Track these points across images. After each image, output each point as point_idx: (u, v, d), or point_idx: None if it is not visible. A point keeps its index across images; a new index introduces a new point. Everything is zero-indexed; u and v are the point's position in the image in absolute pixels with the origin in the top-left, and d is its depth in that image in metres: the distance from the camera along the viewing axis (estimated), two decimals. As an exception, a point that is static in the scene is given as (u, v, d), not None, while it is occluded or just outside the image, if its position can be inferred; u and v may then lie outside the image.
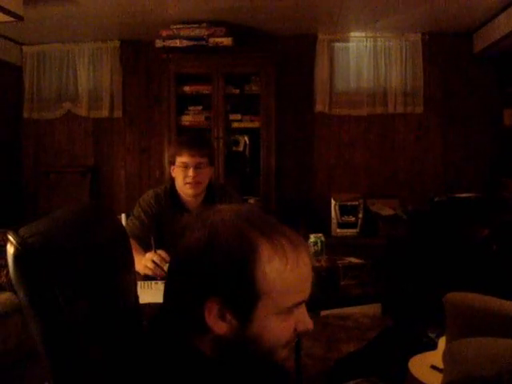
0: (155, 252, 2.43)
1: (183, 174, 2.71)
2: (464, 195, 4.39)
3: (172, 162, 2.78)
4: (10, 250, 1.05)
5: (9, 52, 5.21)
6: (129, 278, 1.34)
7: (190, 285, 0.99)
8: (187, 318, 1.01)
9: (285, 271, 0.98)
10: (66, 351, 1.09)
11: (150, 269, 2.38)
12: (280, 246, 0.99)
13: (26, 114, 5.42)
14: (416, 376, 2.59)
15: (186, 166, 2.71)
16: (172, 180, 2.83)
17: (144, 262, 2.43)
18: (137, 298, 1.40)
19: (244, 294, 0.96)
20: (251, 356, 1.01)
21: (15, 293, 1.06)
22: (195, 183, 2.72)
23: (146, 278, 2.37)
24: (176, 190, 2.81)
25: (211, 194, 2.82)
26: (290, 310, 1.01)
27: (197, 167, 2.71)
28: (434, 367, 2.60)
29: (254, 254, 0.96)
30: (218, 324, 0.98)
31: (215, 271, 0.96)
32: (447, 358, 2.12)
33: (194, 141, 2.81)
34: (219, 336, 0.99)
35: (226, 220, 1.00)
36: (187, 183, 2.72)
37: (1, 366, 3.36)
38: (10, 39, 5.16)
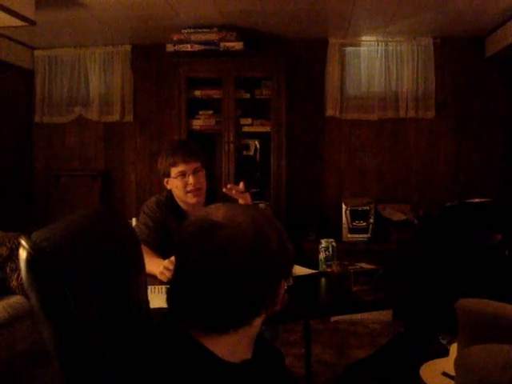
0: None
1: (183, 184, 2.68)
2: (476, 200, 4.36)
3: (166, 175, 2.74)
4: (23, 254, 1.05)
5: (20, 56, 5.24)
6: (140, 281, 1.34)
7: (263, 274, 1.06)
8: (246, 308, 1.07)
9: None
10: (76, 355, 1.09)
11: (166, 276, 2.35)
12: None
13: (37, 118, 5.45)
14: (427, 383, 2.57)
15: (183, 175, 2.68)
16: (169, 190, 2.80)
17: (162, 269, 2.39)
18: (147, 301, 1.40)
19: (291, 269, 1.19)
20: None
21: (26, 296, 1.06)
22: (197, 190, 2.69)
23: None
24: (175, 200, 2.78)
25: (212, 200, 2.71)
26: None
27: (195, 172, 2.69)
28: (445, 374, 2.58)
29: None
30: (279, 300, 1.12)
31: (286, 258, 1.12)
32: (459, 365, 2.10)
33: (185, 147, 2.77)
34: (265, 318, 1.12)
35: (271, 217, 1.16)
36: (189, 192, 2.69)
37: (11, 369, 3.37)
38: (22, 43, 5.20)
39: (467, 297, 2.56)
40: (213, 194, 2.81)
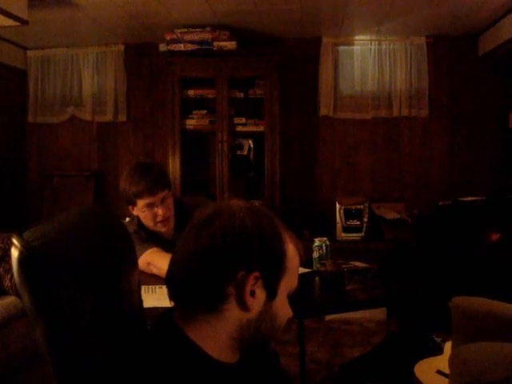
0: None
1: (151, 215, 2.55)
2: (470, 199, 4.37)
3: (131, 203, 2.57)
4: (15, 253, 1.04)
5: (13, 56, 5.22)
6: (132, 280, 1.34)
7: (227, 264, 1.05)
8: (215, 300, 1.06)
9: (294, 256, 1.13)
10: (70, 354, 1.08)
11: None
12: (289, 235, 1.14)
13: (30, 119, 5.43)
14: (422, 381, 2.57)
15: (151, 206, 2.53)
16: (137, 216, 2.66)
17: None
18: (141, 300, 1.40)
19: (277, 266, 1.09)
20: (265, 335, 1.11)
21: (19, 297, 1.06)
22: (167, 219, 2.58)
23: None
24: (146, 227, 2.64)
25: (182, 215, 2.64)
26: (289, 295, 1.15)
27: (163, 201, 2.55)
28: (439, 372, 2.58)
29: (281, 234, 1.11)
30: (251, 301, 1.06)
31: (260, 247, 1.07)
32: (453, 363, 2.10)
33: (149, 176, 2.54)
34: (242, 318, 1.07)
35: (256, 208, 1.13)
36: (158, 222, 2.57)
37: (5, 370, 3.35)
38: (15, 43, 5.18)
39: (461, 295, 2.56)
40: (180, 207, 2.68)
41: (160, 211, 2.53)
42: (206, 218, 1.08)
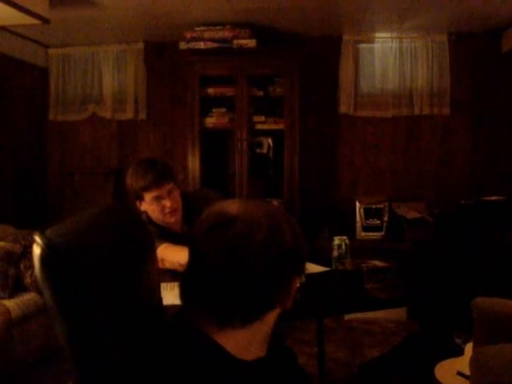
0: None
1: (159, 207, 2.59)
2: (492, 198, 4.32)
3: (138, 198, 2.62)
4: (37, 251, 1.04)
5: (35, 54, 5.27)
6: (153, 278, 1.34)
7: (283, 280, 1.08)
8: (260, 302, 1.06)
9: None
10: (90, 351, 1.08)
11: None
12: None
13: (51, 116, 5.48)
14: (442, 382, 2.55)
15: (159, 199, 2.58)
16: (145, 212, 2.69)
17: None
18: (160, 298, 1.40)
19: (304, 266, 1.17)
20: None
21: (40, 293, 1.06)
22: (174, 211, 2.62)
23: None
24: (156, 223, 2.68)
25: (188, 208, 2.69)
26: None
27: (170, 194, 2.59)
28: (460, 374, 2.56)
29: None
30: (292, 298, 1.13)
31: (301, 253, 1.11)
32: (474, 365, 2.08)
33: (154, 169, 2.59)
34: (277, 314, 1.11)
35: (279, 209, 1.17)
36: (167, 213, 2.61)
37: (25, 366, 3.39)
38: (36, 42, 5.23)
39: (483, 295, 2.54)
40: (186, 200, 2.72)
41: (168, 203, 2.58)
42: (242, 236, 1.03)
